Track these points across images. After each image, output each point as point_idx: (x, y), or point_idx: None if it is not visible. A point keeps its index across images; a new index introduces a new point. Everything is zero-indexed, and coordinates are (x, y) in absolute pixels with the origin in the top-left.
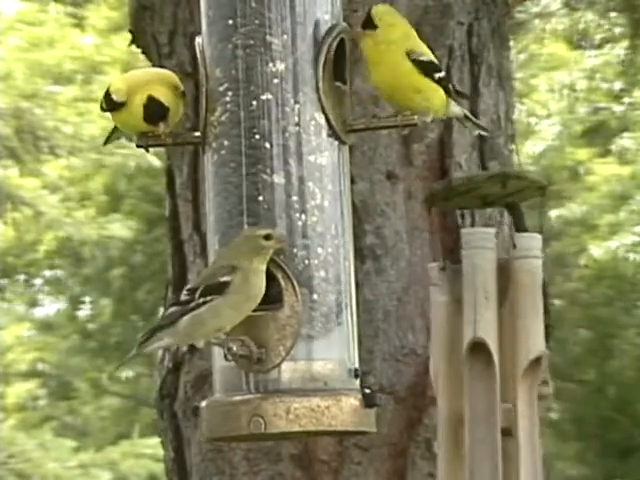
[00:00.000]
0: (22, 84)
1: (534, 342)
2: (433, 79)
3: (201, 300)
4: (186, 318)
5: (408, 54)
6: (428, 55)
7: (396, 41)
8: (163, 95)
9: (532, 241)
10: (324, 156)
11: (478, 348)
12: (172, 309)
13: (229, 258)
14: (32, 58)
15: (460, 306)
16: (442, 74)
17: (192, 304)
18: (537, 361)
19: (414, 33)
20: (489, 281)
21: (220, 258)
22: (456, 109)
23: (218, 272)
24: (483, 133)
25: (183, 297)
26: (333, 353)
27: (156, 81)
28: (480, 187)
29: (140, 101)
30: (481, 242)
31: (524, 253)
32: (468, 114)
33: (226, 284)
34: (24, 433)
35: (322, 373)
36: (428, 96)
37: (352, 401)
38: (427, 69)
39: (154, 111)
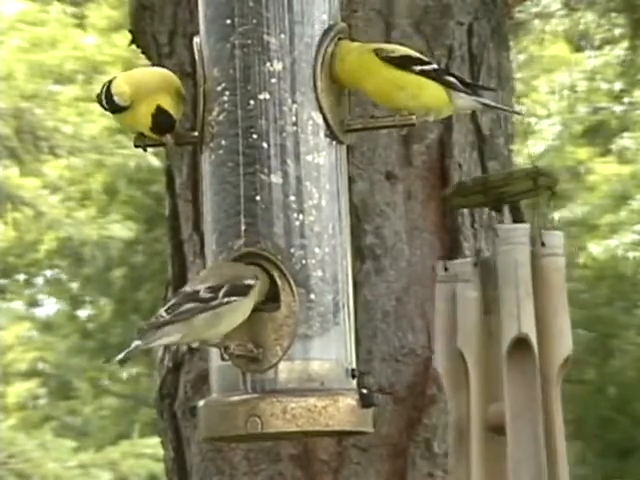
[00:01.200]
0: (23, 84)
1: (566, 341)
2: (413, 72)
3: (225, 300)
4: (205, 315)
5: (376, 52)
6: (400, 51)
7: (357, 47)
8: (170, 106)
9: (557, 239)
10: (322, 156)
11: (515, 344)
12: (190, 305)
13: (250, 267)
14: (33, 59)
15: (485, 303)
16: (428, 67)
17: (215, 302)
18: (566, 360)
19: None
20: (528, 277)
21: (236, 264)
22: (466, 101)
23: (244, 275)
24: (518, 113)
25: (203, 294)
26: (330, 353)
27: (162, 88)
28: (513, 184)
29: (148, 110)
30: (520, 238)
31: (550, 251)
32: (485, 101)
33: (251, 287)
34: (24, 433)
35: (319, 373)
36: (414, 93)
37: (349, 401)
38: (401, 64)
39: (162, 122)
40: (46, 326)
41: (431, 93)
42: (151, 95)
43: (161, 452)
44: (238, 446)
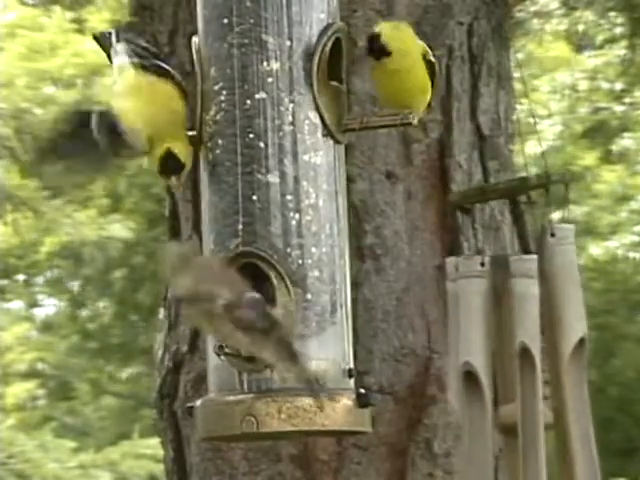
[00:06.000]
0: (23, 91)
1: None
2: (432, 82)
3: None
4: None
5: (424, 55)
6: (431, 58)
7: (412, 59)
8: (180, 149)
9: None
10: (319, 155)
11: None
12: None
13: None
14: (33, 66)
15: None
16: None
17: None
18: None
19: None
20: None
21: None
22: None
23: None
24: (419, 136)
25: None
26: (327, 353)
27: (171, 124)
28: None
29: (158, 153)
30: (572, 238)
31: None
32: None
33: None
34: (24, 433)
35: (316, 372)
36: (425, 100)
37: (345, 401)
38: (433, 70)
39: (170, 166)
40: (46, 326)
41: (424, 104)
42: (160, 136)
43: (161, 453)
44: (238, 446)
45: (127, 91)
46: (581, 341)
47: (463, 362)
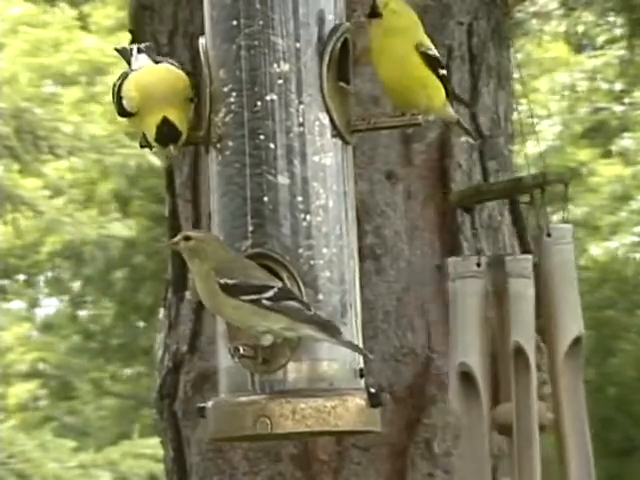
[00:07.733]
0: (26, 87)
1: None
2: (437, 75)
3: None
4: None
5: (417, 46)
6: (434, 50)
7: (403, 30)
8: (177, 117)
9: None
10: (328, 156)
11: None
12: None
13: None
14: (36, 62)
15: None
16: (445, 72)
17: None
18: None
19: (419, 23)
20: None
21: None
22: (451, 112)
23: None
24: (470, 140)
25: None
26: (338, 353)
27: (169, 98)
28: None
29: (153, 121)
30: (570, 238)
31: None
32: (460, 119)
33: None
34: (24, 433)
35: (328, 373)
36: (432, 94)
37: (358, 401)
38: (434, 64)
39: (166, 134)
40: (46, 327)
41: (441, 97)
42: (157, 106)
43: (161, 452)
44: (238, 446)
45: (139, 71)
46: (577, 341)
47: (459, 363)
